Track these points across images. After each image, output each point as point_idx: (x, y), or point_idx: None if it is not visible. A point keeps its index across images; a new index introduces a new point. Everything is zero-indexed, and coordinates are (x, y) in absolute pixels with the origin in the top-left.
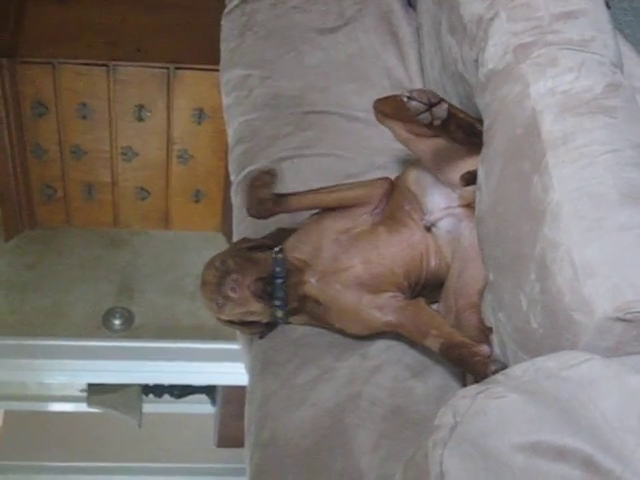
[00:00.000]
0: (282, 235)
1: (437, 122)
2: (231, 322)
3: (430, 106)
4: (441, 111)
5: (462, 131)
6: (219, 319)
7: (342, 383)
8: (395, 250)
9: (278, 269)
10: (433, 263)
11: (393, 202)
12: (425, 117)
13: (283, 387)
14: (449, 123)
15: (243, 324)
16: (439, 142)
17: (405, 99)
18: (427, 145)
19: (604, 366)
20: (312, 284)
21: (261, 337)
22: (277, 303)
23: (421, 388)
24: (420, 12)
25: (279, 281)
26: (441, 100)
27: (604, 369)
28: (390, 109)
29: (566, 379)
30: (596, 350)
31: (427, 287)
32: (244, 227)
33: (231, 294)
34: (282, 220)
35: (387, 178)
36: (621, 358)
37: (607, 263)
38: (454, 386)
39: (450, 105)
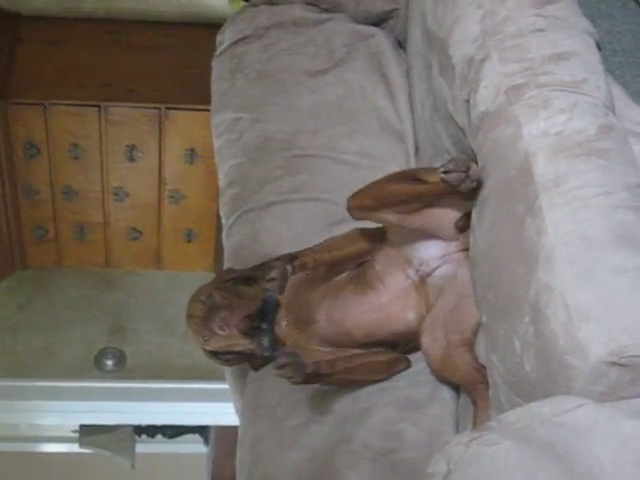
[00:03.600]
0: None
1: (475, 183)
2: (216, 355)
3: (466, 171)
4: (476, 172)
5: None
6: (203, 350)
7: (333, 426)
8: (357, 312)
9: (270, 305)
10: (411, 316)
11: (370, 261)
12: (467, 185)
13: (274, 430)
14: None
15: (229, 357)
16: (431, 210)
17: (442, 175)
18: (422, 215)
19: (598, 411)
20: (282, 326)
21: (255, 369)
22: (264, 343)
23: (412, 432)
24: (410, 53)
25: (268, 321)
26: (472, 162)
27: (598, 414)
28: (370, 200)
29: (560, 425)
30: (590, 394)
31: (404, 341)
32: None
33: (219, 332)
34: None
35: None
36: (615, 403)
37: (601, 306)
38: (446, 430)
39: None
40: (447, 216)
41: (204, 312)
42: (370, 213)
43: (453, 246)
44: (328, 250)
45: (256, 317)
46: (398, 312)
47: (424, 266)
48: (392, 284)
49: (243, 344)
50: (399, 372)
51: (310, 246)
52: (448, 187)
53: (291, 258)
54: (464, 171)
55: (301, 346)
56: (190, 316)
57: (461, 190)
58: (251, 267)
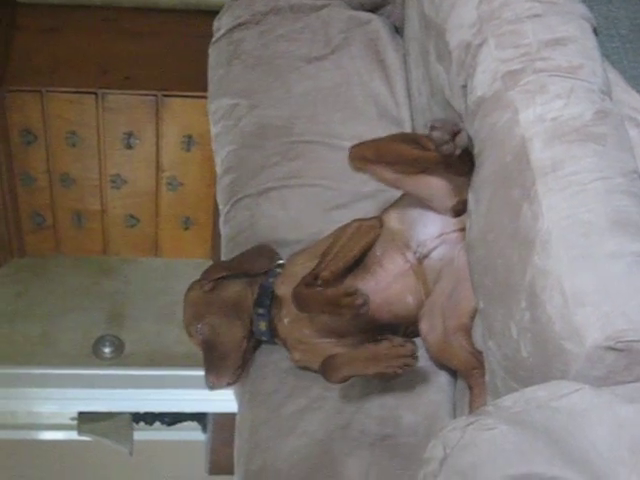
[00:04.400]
0: (257, 257)
1: (459, 151)
2: None
3: (453, 135)
4: (463, 139)
5: (470, 160)
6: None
7: (331, 412)
8: None
9: (266, 292)
10: (410, 300)
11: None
12: (448, 148)
13: (272, 417)
14: (464, 153)
15: None
16: (428, 177)
17: (428, 130)
18: (417, 181)
19: (595, 396)
20: (284, 323)
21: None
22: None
23: (409, 417)
24: (407, 39)
25: (264, 306)
26: (461, 128)
27: (595, 399)
28: (371, 153)
29: (557, 409)
30: (587, 379)
31: (405, 324)
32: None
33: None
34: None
35: (378, 219)
36: (611, 387)
37: (597, 291)
38: (443, 415)
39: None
40: (441, 187)
41: (199, 342)
42: (369, 166)
43: (450, 225)
44: (343, 258)
45: (253, 304)
46: (397, 295)
47: (421, 247)
48: (391, 267)
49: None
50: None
51: (323, 255)
52: (440, 157)
53: (314, 277)
54: (449, 132)
55: (303, 342)
56: (188, 334)
57: (443, 152)
58: (236, 256)
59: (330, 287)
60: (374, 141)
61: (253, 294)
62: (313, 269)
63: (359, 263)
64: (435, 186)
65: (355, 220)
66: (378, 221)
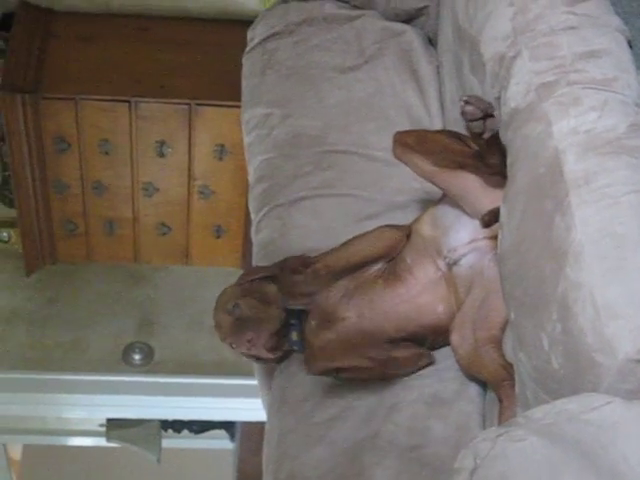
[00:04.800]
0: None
1: (487, 134)
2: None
3: (485, 116)
4: (494, 124)
5: (501, 157)
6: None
7: (360, 422)
8: (387, 306)
9: (295, 318)
10: (440, 309)
11: (400, 254)
12: (478, 125)
13: (300, 425)
14: (493, 142)
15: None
16: (464, 174)
17: (461, 103)
18: (452, 177)
19: (626, 409)
20: (311, 326)
21: (279, 362)
22: (293, 338)
23: (439, 428)
24: (441, 51)
25: (296, 316)
26: (494, 111)
27: (626, 412)
28: (413, 141)
29: (587, 422)
30: (618, 392)
31: (433, 335)
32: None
33: (247, 351)
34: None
35: (405, 228)
36: None
37: (630, 304)
38: (473, 427)
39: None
40: (474, 187)
41: (230, 324)
42: (409, 153)
43: (480, 232)
44: (346, 256)
45: (285, 314)
46: (428, 304)
47: (451, 253)
48: (422, 275)
49: (272, 356)
50: (422, 368)
51: (333, 247)
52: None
53: (305, 264)
54: (481, 109)
55: (324, 348)
56: (217, 325)
57: (472, 129)
58: (275, 263)
59: (316, 280)
60: (418, 130)
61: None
62: (308, 257)
63: (390, 273)
64: (469, 185)
65: (386, 225)
66: (405, 231)
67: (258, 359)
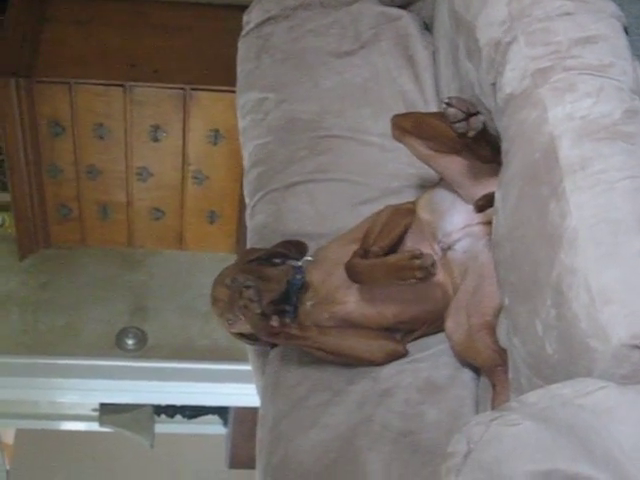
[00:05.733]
0: (289, 246)
1: (472, 133)
2: (241, 335)
3: (468, 116)
4: (478, 122)
5: (490, 148)
6: (229, 332)
7: (354, 406)
8: (387, 291)
9: (295, 287)
10: (439, 294)
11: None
12: (462, 126)
13: (294, 410)
14: (481, 138)
15: (253, 336)
16: (460, 159)
17: (443, 105)
18: (448, 162)
19: (620, 394)
20: (306, 307)
21: (272, 347)
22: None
23: (433, 413)
24: (437, 36)
25: (291, 303)
26: (478, 111)
27: (620, 397)
28: (410, 124)
29: (581, 407)
30: (612, 377)
31: (430, 320)
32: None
33: (243, 318)
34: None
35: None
36: (637, 386)
37: (624, 290)
38: (466, 412)
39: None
40: (468, 171)
41: (228, 296)
42: (406, 137)
43: (474, 217)
44: (388, 235)
45: (280, 300)
46: (426, 289)
47: (446, 237)
48: None
49: None
50: (394, 359)
51: (367, 234)
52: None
53: (365, 251)
54: (463, 111)
55: (320, 325)
56: (215, 299)
57: (456, 130)
58: (276, 244)
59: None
60: (416, 114)
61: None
62: (362, 245)
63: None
64: (463, 170)
65: (388, 206)
66: (412, 205)
67: (252, 337)
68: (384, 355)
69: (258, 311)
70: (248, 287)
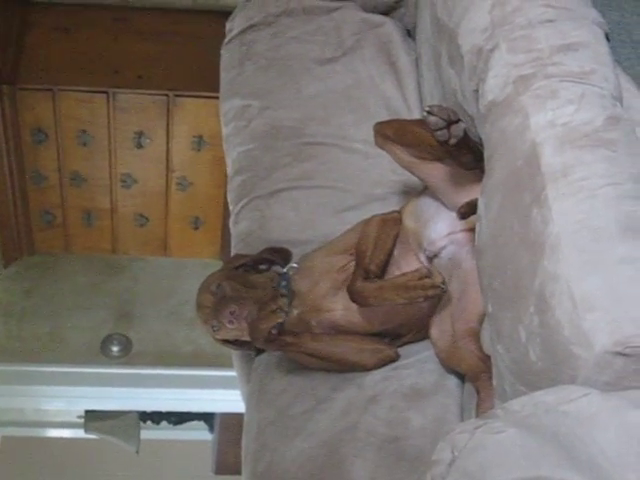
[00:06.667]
0: (273, 253)
1: (453, 141)
2: (226, 341)
3: (449, 124)
4: (459, 130)
5: (472, 155)
6: (214, 338)
7: (338, 413)
8: None
9: (283, 291)
10: (424, 303)
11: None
12: (442, 134)
13: (279, 417)
14: (462, 145)
15: (238, 342)
16: (442, 166)
17: (424, 113)
18: (431, 169)
19: (603, 400)
20: (293, 314)
21: (258, 354)
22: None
23: (418, 420)
24: (419, 42)
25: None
26: (459, 119)
27: (603, 404)
28: (392, 132)
29: (565, 414)
30: (595, 384)
31: (416, 328)
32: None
33: (228, 325)
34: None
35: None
36: (620, 393)
37: (607, 297)
38: (451, 419)
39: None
40: (450, 179)
41: (213, 303)
42: (388, 144)
43: (457, 225)
44: (382, 249)
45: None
46: None
47: (431, 246)
48: (407, 268)
49: None
50: (385, 364)
51: (359, 251)
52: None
53: (366, 273)
54: (444, 119)
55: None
56: (200, 306)
57: (438, 138)
58: (260, 251)
59: (378, 279)
60: (398, 121)
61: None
62: (360, 266)
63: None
64: (446, 177)
65: (374, 215)
66: (398, 214)
67: (237, 344)
68: (376, 360)
69: (281, 320)
70: (232, 298)
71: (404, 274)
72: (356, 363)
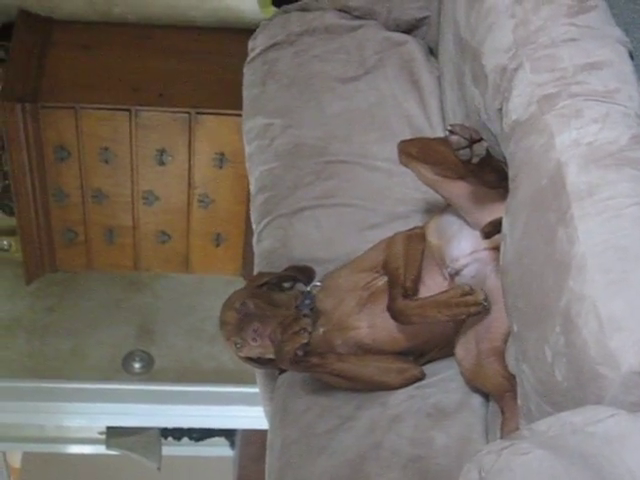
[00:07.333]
0: (297, 271)
1: (475, 159)
2: (249, 359)
3: (471, 142)
4: (481, 149)
5: (495, 174)
6: (237, 355)
7: (363, 432)
8: None
9: (306, 311)
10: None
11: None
12: (465, 153)
13: (303, 436)
14: (485, 164)
15: (261, 360)
16: (466, 185)
17: (447, 132)
18: (455, 187)
19: (631, 421)
20: (318, 333)
21: (281, 373)
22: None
23: (442, 439)
24: (442, 61)
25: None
26: (481, 138)
27: (630, 424)
28: (416, 150)
29: (592, 435)
30: (622, 404)
31: (441, 345)
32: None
33: (252, 343)
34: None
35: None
36: None
37: (633, 317)
38: (475, 438)
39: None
40: (475, 198)
41: (237, 320)
42: (413, 162)
43: (481, 243)
44: (414, 266)
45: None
46: None
47: (453, 263)
48: (432, 285)
49: None
50: (411, 383)
51: (391, 269)
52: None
53: (405, 291)
54: (467, 139)
55: (333, 351)
56: (223, 323)
57: (460, 157)
58: (284, 269)
59: (414, 296)
60: (422, 139)
61: (292, 305)
62: (398, 284)
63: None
64: (469, 195)
65: (398, 233)
66: (421, 230)
67: (260, 362)
68: (402, 379)
69: (305, 340)
70: (255, 316)
71: (446, 291)
72: (382, 383)
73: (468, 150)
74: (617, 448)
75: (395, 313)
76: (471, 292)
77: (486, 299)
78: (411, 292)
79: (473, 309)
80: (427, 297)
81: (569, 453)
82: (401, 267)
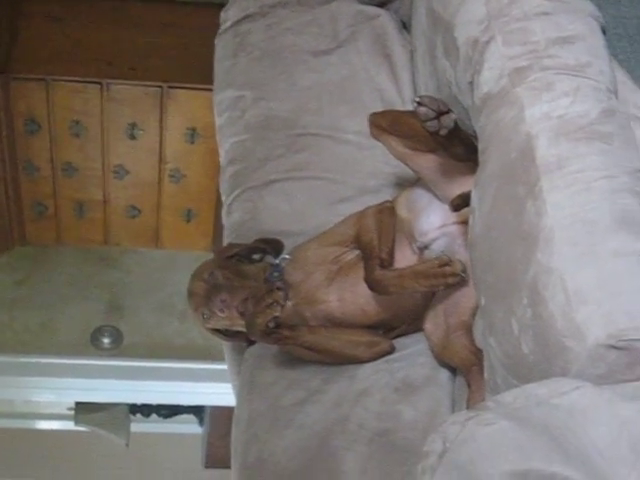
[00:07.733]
0: (265, 243)
1: (444, 131)
2: (217, 330)
3: (439, 114)
4: (449, 120)
5: (464, 147)
6: (205, 327)
7: (330, 405)
8: (369, 290)
9: (279, 284)
10: (418, 294)
11: None
12: (433, 125)
13: (270, 409)
14: (453, 136)
15: (229, 332)
16: (436, 158)
17: (415, 104)
18: (424, 160)
19: (595, 394)
20: (287, 306)
21: (249, 345)
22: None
23: (409, 413)
24: (415, 35)
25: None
26: (449, 110)
27: (595, 397)
28: (386, 123)
29: (557, 407)
30: (588, 377)
31: (410, 319)
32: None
33: (219, 313)
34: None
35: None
36: (613, 386)
37: (600, 289)
38: (443, 412)
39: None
40: (444, 170)
41: (205, 291)
42: (383, 135)
43: (450, 217)
44: (387, 238)
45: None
46: None
47: (422, 237)
48: (401, 259)
49: (243, 324)
50: (380, 356)
51: (365, 241)
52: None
53: (381, 262)
54: (434, 110)
55: (302, 324)
56: (191, 293)
57: (428, 129)
58: (253, 242)
59: (389, 267)
60: (393, 112)
61: (261, 277)
62: (375, 256)
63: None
64: (439, 168)
65: (368, 207)
66: (391, 204)
67: (227, 334)
68: (371, 353)
69: (277, 313)
70: (223, 286)
71: (424, 262)
72: (352, 356)
73: (436, 122)
74: (581, 420)
75: (373, 283)
76: (449, 263)
77: (464, 270)
78: (387, 263)
79: (451, 279)
80: (405, 267)
81: (533, 424)
82: (375, 239)
